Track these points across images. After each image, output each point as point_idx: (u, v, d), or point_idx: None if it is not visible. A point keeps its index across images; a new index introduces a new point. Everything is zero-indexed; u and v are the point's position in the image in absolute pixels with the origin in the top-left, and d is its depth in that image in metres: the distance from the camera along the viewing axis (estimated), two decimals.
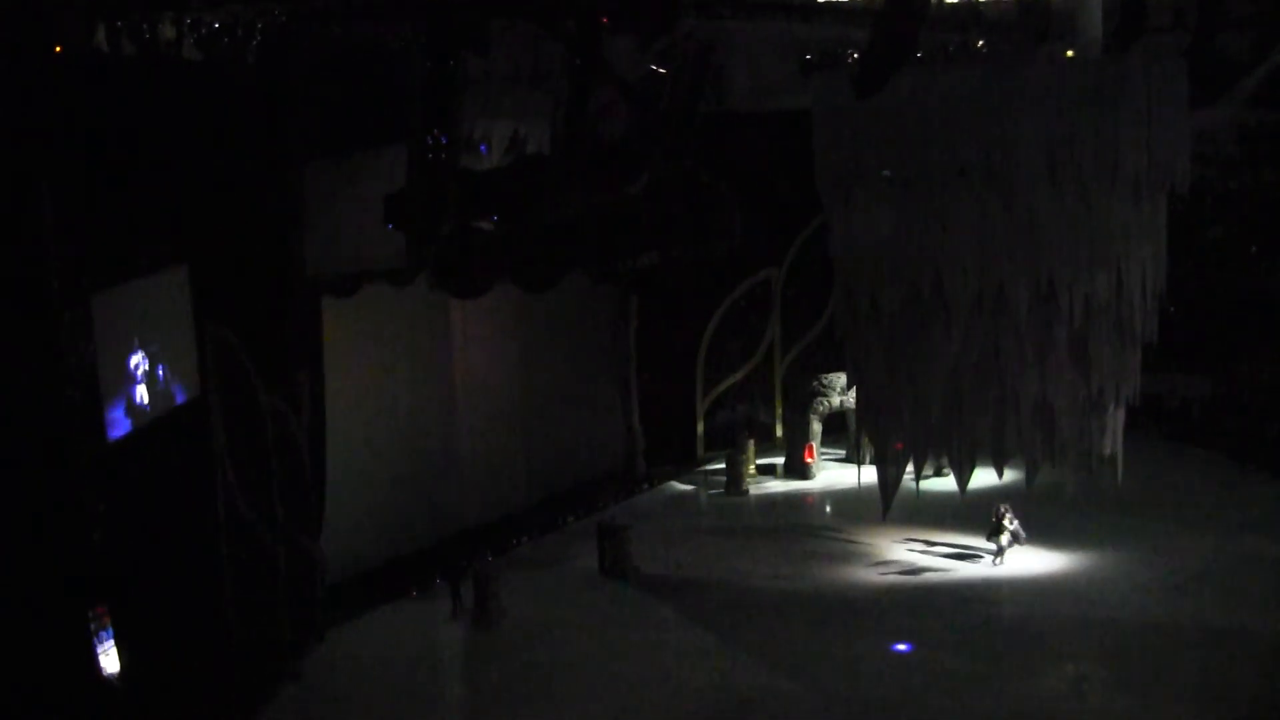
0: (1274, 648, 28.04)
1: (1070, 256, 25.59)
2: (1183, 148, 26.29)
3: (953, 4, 33.32)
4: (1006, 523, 33.30)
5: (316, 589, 29.93)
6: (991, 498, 33.32)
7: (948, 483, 40.14)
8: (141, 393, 23.37)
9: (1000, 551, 33.37)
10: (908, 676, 27.23)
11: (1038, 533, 34.80)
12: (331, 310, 30.65)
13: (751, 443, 43.22)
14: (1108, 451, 27.76)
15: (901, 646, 28.62)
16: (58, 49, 20.61)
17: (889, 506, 30.37)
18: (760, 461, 43.92)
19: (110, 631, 20.89)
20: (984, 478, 40.16)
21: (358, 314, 32.14)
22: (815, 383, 43.76)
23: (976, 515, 34.62)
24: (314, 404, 29.90)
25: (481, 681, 28.27)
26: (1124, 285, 25.97)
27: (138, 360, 23.24)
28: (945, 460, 40.77)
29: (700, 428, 45.27)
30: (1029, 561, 33.37)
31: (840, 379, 42.77)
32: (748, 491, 41.18)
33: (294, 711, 26.71)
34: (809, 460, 42.98)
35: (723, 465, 42.57)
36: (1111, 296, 25.94)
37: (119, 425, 22.21)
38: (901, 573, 33.56)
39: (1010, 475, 40.40)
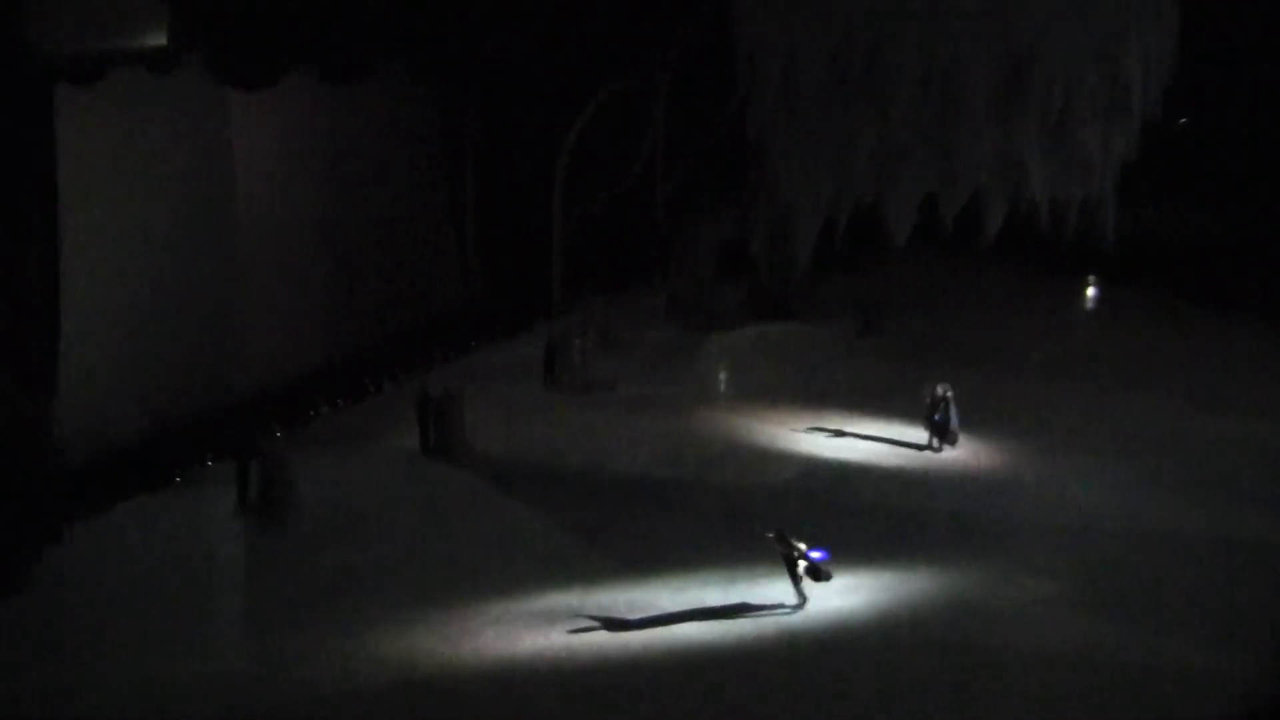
0: None
1: (1050, 28, 25.20)
2: None
3: None
4: (942, 411, 33.20)
5: (50, 473, 29.22)
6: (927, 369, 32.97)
7: (873, 362, 41.02)
8: None
9: (938, 438, 33.39)
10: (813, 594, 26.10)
11: (989, 411, 34.94)
12: (70, 105, 29.48)
13: (584, 334, 41.38)
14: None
15: (815, 554, 27.01)
16: None
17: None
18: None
19: None
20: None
21: (105, 111, 31.20)
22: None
23: (906, 394, 34.73)
24: (45, 232, 29.09)
25: (268, 592, 27.32)
26: (1121, 70, 25.80)
27: None
28: (871, 321, 41.70)
29: (557, 266, 44.95)
30: (976, 450, 33.42)
31: None
32: (588, 388, 39.32)
33: (16, 636, 25.58)
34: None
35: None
36: (1104, 82, 25.75)
37: None
38: (812, 463, 33.22)
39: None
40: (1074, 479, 32.06)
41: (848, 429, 35.24)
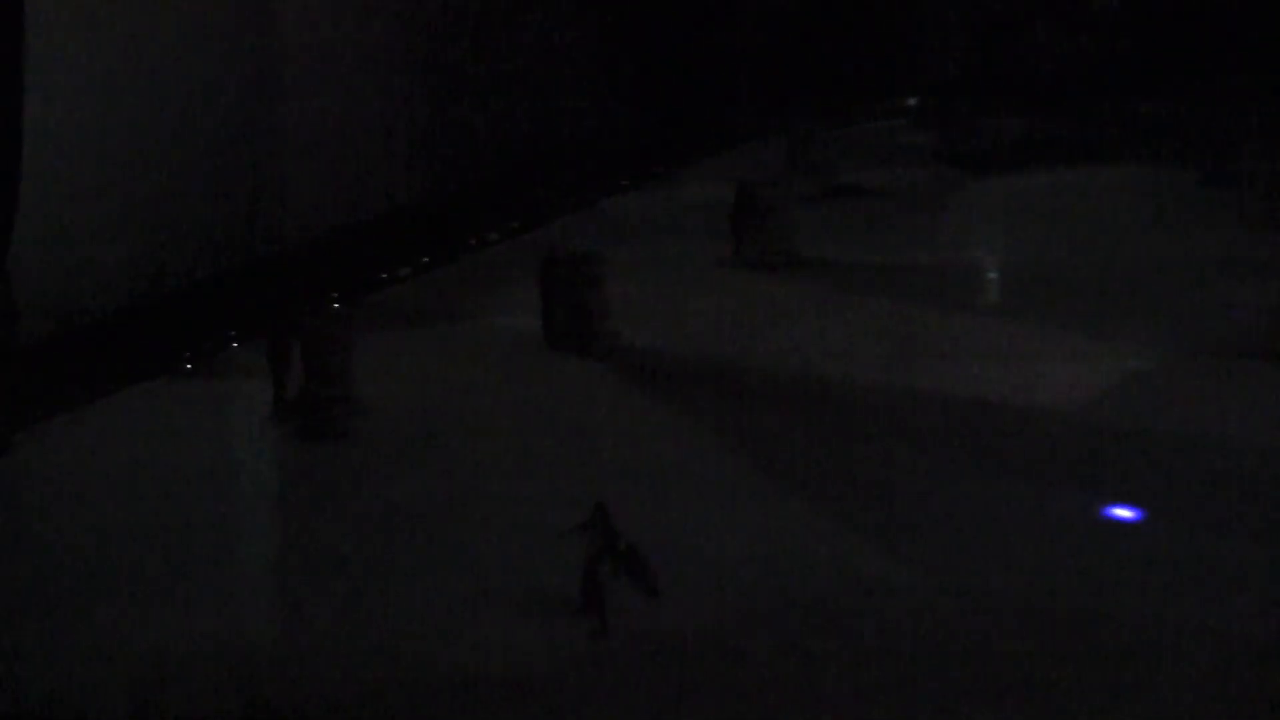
0: None
1: None
2: None
3: None
4: None
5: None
6: None
7: (1233, 226, 39.37)
8: None
9: None
10: (1128, 572, 22.88)
11: None
12: None
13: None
14: None
15: (1124, 513, 25.55)
16: None
17: None
18: None
19: None
20: None
21: None
22: None
23: None
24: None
25: (309, 533, 25.97)
26: None
27: None
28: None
29: (746, 72, 45.24)
30: None
31: None
32: (792, 257, 38.39)
33: None
34: None
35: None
36: None
37: None
38: (1134, 376, 30.95)
39: None
40: None
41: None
